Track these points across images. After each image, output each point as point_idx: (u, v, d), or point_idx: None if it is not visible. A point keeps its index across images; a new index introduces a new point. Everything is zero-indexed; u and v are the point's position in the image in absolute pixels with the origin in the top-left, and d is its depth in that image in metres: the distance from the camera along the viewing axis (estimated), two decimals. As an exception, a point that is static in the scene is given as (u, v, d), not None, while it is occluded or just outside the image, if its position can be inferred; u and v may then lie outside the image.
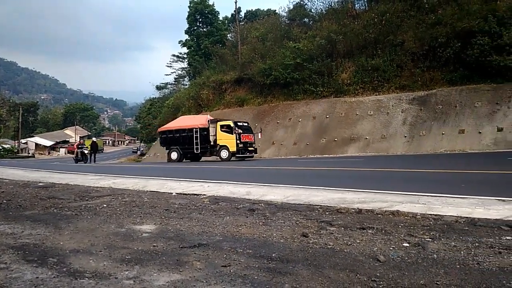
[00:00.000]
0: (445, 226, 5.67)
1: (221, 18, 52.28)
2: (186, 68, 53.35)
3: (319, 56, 29.50)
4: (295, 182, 10.97)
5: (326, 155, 24.41)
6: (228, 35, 50.14)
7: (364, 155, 22.50)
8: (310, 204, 7.53)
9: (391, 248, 4.71)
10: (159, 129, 26.87)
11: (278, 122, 29.52)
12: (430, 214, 6.37)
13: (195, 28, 50.30)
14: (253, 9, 54.70)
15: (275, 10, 49.03)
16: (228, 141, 22.77)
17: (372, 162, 17.96)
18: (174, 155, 24.82)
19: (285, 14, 41.37)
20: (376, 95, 25.99)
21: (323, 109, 27.50)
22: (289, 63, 29.88)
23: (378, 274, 3.86)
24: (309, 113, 28.19)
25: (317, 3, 60.71)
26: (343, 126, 25.73)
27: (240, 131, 23.01)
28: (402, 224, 5.83)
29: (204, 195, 9.20)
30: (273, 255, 4.52)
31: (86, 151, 29.54)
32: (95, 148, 30.14)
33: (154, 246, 4.97)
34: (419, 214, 6.43)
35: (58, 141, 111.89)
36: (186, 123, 24.96)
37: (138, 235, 5.58)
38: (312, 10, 39.10)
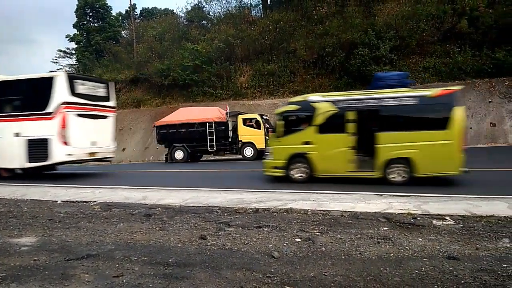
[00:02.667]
0: (332, 221, 6.17)
1: (114, 14, 49.41)
2: (74, 65, 49.24)
3: (218, 59, 29.78)
4: (196, 185, 10.88)
5: (226, 157, 24.72)
6: (123, 32, 47.64)
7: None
8: (209, 206, 7.55)
9: (284, 244, 4.96)
10: (156, 123, 22.14)
11: (177, 124, 28.97)
12: (320, 210, 6.88)
13: (85, 22, 46.68)
14: (150, 7, 52.89)
15: (173, 10, 48.13)
16: (255, 137, 19.72)
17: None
18: (179, 154, 20.89)
19: (183, 15, 40.88)
20: (272, 98, 27.20)
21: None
22: (188, 65, 29.59)
23: (272, 270, 4.03)
24: (208, 115, 28.29)
25: (215, 7, 61.20)
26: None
27: (267, 125, 20.41)
28: (295, 221, 6.18)
29: (95, 201, 8.60)
30: (170, 260, 4.42)
31: None
32: None
33: (35, 260, 4.48)
34: (310, 210, 6.89)
35: None
36: (194, 116, 21.02)
37: (16, 249, 4.99)
38: (210, 13, 39.38)
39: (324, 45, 26.24)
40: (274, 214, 6.74)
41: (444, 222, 5.76)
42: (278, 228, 5.75)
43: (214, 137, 20.09)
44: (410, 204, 7.02)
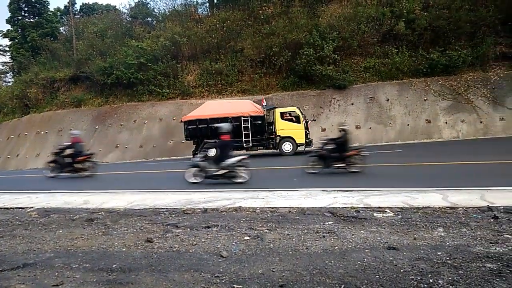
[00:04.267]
0: (280, 217, 6.26)
1: (52, 9, 46.58)
2: (9, 62, 45.79)
3: (163, 57, 29.10)
4: (141, 187, 10.57)
5: (175, 157, 24.28)
6: (61, 29, 45.08)
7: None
8: (156, 208, 7.37)
9: (233, 243, 4.96)
10: (184, 118, 20.55)
11: (121, 125, 27.96)
12: (268, 207, 6.96)
13: (20, 17, 43.58)
14: (90, 3, 50.46)
15: (115, 6, 46.44)
16: (295, 131, 18.66)
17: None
18: (211, 151, 19.70)
19: (126, 11, 39.50)
20: (220, 97, 27.08)
21: (170, 111, 27.24)
22: (132, 63, 28.64)
23: (221, 270, 4.01)
24: (155, 114, 27.55)
25: (160, 3, 59.95)
26: (190, 128, 26.07)
27: (306, 119, 19.39)
28: (244, 219, 6.20)
29: (32, 207, 8.07)
30: (114, 266, 4.25)
31: None
32: None
33: (-38, 274, 4.12)
34: (258, 208, 6.94)
35: None
36: (226, 110, 19.57)
37: None
38: (155, 10, 38.42)
39: (271, 45, 26.59)
40: (223, 213, 6.72)
41: (385, 215, 6.05)
42: (227, 227, 5.73)
43: (250, 132, 18.87)
44: (353, 198, 7.30)
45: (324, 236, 5.11)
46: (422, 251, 4.34)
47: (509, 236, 4.72)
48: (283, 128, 18.77)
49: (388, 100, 23.56)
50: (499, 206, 6.17)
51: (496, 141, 18.96)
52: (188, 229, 5.76)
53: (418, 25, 24.39)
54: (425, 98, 23.05)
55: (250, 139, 18.85)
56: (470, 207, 6.24)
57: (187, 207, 7.28)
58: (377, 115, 23.49)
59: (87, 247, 5.04)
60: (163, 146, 25.83)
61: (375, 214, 6.10)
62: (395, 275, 3.66)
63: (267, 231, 5.48)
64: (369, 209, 6.47)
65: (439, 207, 6.33)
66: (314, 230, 5.44)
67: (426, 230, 5.18)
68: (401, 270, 3.78)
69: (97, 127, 28.01)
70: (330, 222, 5.83)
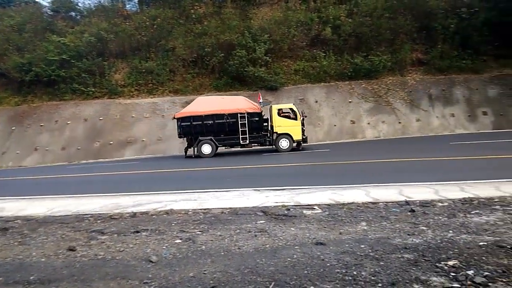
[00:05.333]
0: (213, 218, 6.23)
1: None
2: None
3: (89, 54, 27.49)
4: (63, 192, 9.89)
5: (101, 160, 23.07)
6: (-29, 20, 40.77)
7: (141, 157, 22.40)
8: (80, 214, 6.93)
9: (164, 247, 4.83)
10: (177, 115, 19.53)
11: (41, 125, 25.91)
12: (201, 209, 6.88)
13: None
14: (5, -7, 46.27)
15: (35, -2, 42.92)
16: (292, 128, 18.33)
17: (149, 164, 18.10)
18: (206, 149, 18.52)
19: (47, 4, 36.70)
20: (151, 97, 26.27)
21: (95, 111, 25.82)
22: (53, 59, 26.66)
23: (150, 276, 3.88)
24: (79, 114, 25.92)
25: (85, -3, 56.60)
26: (119, 129, 24.88)
27: (303, 116, 19.13)
28: (175, 222, 6.07)
29: None
30: (32, 277, 3.92)
31: None
32: None
33: None
34: (191, 210, 6.84)
35: None
36: (221, 107, 18.92)
37: None
38: (80, 4, 36.15)
39: (203, 45, 26.39)
40: (154, 217, 6.52)
41: (313, 211, 6.28)
42: (157, 231, 5.57)
43: (247, 129, 18.43)
44: (284, 197, 7.49)
45: (256, 235, 5.17)
46: (347, 245, 4.57)
47: (424, 228, 5.15)
48: (280, 124, 18.55)
49: (316, 101, 24.53)
50: (415, 200, 6.71)
51: (413, 140, 20.64)
52: (115, 235, 5.50)
53: (343, 31, 25.73)
54: (350, 100, 24.37)
55: (247, 136, 18.52)
56: (389, 202, 6.71)
57: (114, 212, 6.95)
58: (307, 116, 24.37)
59: (0, 259, 4.60)
60: (88, 148, 24.41)
61: (304, 211, 6.30)
62: (322, 269, 3.81)
63: (200, 233, 5.41)
64: (299, 206, 6.67)
65: (362, 203, 6.72)
66: (246, 229, 5.48)
67: (350, 225, 5.47)
68: (328, 264, 3.94)
69: (13, 128, 25.68)
70: (262, 221, 5.91)
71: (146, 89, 26.87)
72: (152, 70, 26.91)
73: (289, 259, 4.15)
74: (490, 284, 3.35)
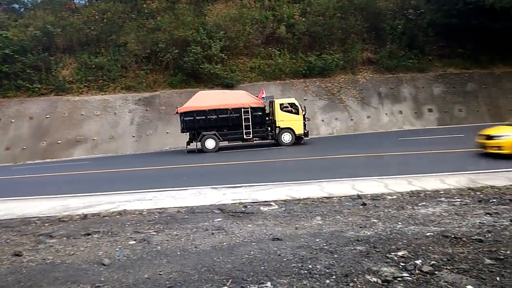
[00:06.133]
0: (169, 218, 6.11)
1: None
2: None
3: (34, 48, 25.89)
4: (7, 194, 9.30)
5: (49, 160, 21.87)
6: None
7: (92, 157, 21.50)
8: (26, 217, 6.55)
9: (117, 249, 4.67)
10: (180, 110, 18.77)
11: (-18, 124, 24.16)
12: (156, 209, 6.73)
13: None
14: None
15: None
16: (294, 122, 18.47)
17: (100, 163, 17.40)
18: (210, 143, 18.26)
19: (-13, -4, 34.22)
20: (102, 94, 25.23)
21: (42, 108, 24.40)
22: (-6, 53, 24.93)
23: (102, 279, 3.74)
24: (24, 112, 24.39)
25: (29, -11, 53.38)
26: (68, 127, 23.69)
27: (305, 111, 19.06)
28: (129, 223, 5.89)
29: None
30: (-29, 287, 3.65)
31: None
32: None
33: None
34: (145, 210, 6.67)
35: None
36: (223, 101, 18.75)
37: None
38: (23, -4, 34.01)
39: (157, 41, 25.72)
40: (106, 218, 6.29)
41: (270, 208, 6.35)
42: (109, 233, 5.38)
43: (250, 123, 18.48)
44: (241, 194, 7.50)
45: (213, 233, 5.14)
46: (302, 240, 4.65)
47: (375, 220, 5.36)
48: (282, 119, 18.70)
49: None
50: (367, 194, 6.97)
51: (364, 136, 21.41)
52: (65, 238, 5.25)
53: (297, 29, 26.11)
54: (305, 98, 24.81)
55: (251, 130, 18.64)
56: (343, 196, 6.92)
57: (63, 214, 6.63)
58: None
59: None
60: (34, 148, 23.09)
61: (261, 208, 6.35)
62: (278, 264, 3.86)
63: (155, 233, 5.30)
64: (256, 203, 6.71)
65: (317, 198, 6.88)
66: (203, 228, 5.43)
67: (306, 220, 5.58)
68: (284, 259, 4.00)
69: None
70: (219, 219, 5.88)
71: (96, 86, 25.77)
72: (102, 66, 25.85)
73: (246, 255, 4.16)
74: (436, 272, 3.54)
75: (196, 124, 18.69)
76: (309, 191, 7.40)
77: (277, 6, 27.29)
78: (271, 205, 6.52)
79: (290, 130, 18.76)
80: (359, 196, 6.82)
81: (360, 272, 3.59)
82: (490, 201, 6.08)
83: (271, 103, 19.45)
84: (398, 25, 26.17)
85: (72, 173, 14.07)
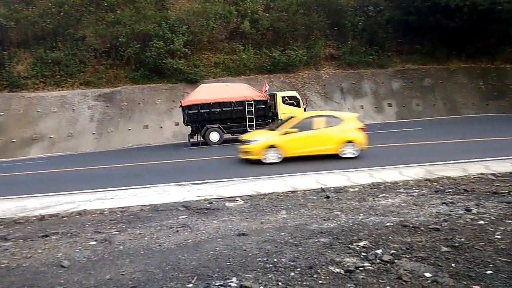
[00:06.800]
0: (132, 217, 5.97)
1: None
2: None
3: (-16, 42, 24.52)
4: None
5: (3, 159, 20.78)
6: None
7: (49, 155, 20.61)
8: (-23, 221, 6.18)
9: (77, 250, 4.51)
10: (184, 103, 18.69)
11: None
12: (118, 208, 6.55)
13: None
14: None
15: None
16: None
17: (59, 162, 16.70)
18: (215, 136, 18.44)
19: None
20: (59, 90, 24.18)
21: (-6, 106, 23.15)
22: None
23: (62, 281, 3.60)
24: (-25, 110, 23.06)
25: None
26: (23, 125, 22.57)
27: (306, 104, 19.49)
28: (89, 223, 5.70)
29: None
30: None
31: None
32: None
33: None
34: (107, 209, 6.48)
35: None
36: (227, 94, 18.87)
37: None
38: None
39: (117, 34, 24.93)
40: (65, 219, 6.06)
41: (236, 203, 6.34)
42: (69, 234, 5.19)
43: (253, 116, 18.78)
44: (206, 190, 7.45)
45: (177, 231, 5.07)
46: (268, 234, 4.68)
47: (338, 213, 5.48)
48: (284, 112, 18.70)
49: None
50: (330, 187, 7.12)
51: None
52: (21, 240, 5.01)
53: (261, 25, 26.13)
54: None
55: (254, 123, 18.87)
56: (307, 190, 7.03)
57: (19, 215, 6.33)
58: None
59: None
60: (-13, 147, 21.87)
61: (227, 204, 6.33)
62: (244, 259, 3.86)
63: (117, 232, 5.16)
64: (221, 199, 6.68)
65: (282, 192, 6.95)
66: (167, 226, 5.35)
67: (271, 214, 5.62)
68: (250, 254, 4.01)
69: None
70: (184, 216, 5.81)
71: (53, 81, 24.68)
72: (59, 61, 24.76)
73: (211, 252, 4.14)
74: (396, 261, 3.67)
75: (200, 117, 18.78)
76: (274, 186, 7.46)
77: (241, 1, 27.16)
78: (236, 200, 6.52)
79: None
80: (322, 190, 6.95)
81: (323, 264, 3.67)
82: (446, 191, 6.38)
83: (273, 96, 19.81)
84: (359, 22, 26.78)
85: (29, 172, 13.43)
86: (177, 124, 22.92)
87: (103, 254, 4.33)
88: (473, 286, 3.12)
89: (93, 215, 6.14)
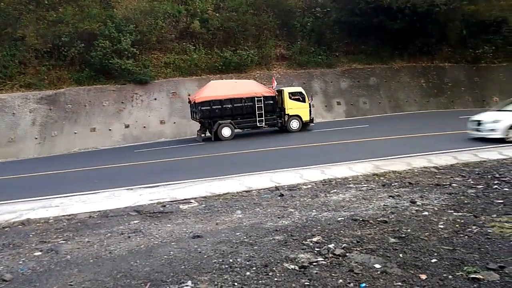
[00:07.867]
0: (79, 224, 5.70)
1: None
2: None
3: None
4: None
5: None
6: None
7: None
8: None
9: (20, 262, 4.24)
10: (197, 99, 18.78)
11: None
12: (64, 216, 6.23)
13: None
14: None
15: None
16: (301, 110, 19.83)
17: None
18: (226, 132, 18.85)
19: None
20: (-4, 93, 22.66)
21: None
22: None
23: (3, 297, 3.37)
24: None
25: None
26: (-44, 131, 20.90)
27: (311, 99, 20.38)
28: (33, 233, 5.38)
29: None
30: None
31: None
32: None
33: None
34: (52, 218, 6.14)
35: None
36: (237, 91, 19.35)
37: None
38: None
39: (60, 34, 23.71)
40: (6, 229, 5.68)
41: (190, 205, 6.26)
42: (11, 245, 4.87)
43: (263, 112, 19.29)
44: (159, 194, 7.28)
45: (129, 237, 4.92)
46: (223, 235, 4.67)
47: (292, 210, 5.57)
48: (291, 107, 19.83)
49: (189, 95, 24.34)
50: (284, 185, 7.22)
51: (277, 130, 22.13)
52: (-45, 256, 4.62)
53: (211, 25, 25.95)
54: (222, 93, 24.89)
55: (263, 118, 19.45)
56: (262, 189, 7.08)
57: (-48, 229, 5.84)
58: (180, 110, 23.87)
59: None
60: None
61: (181, 206, 6.23)
62: (199, 262, 3.82)
63: (64, 241, 4.91)
64: (175, 202, 6.56)
65: (237, 192, 6.95)
66: (118, 232, 5.17)
67: (226, 215, 5.61)
68: (205, 256, 3.97)
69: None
70: (136, 221, 5.65)
71: (-11, 84, 23.05)
72: (-4, 62, 23.17)
73: (165, 256, 4.05)
74: (347, 254, 3.80)
75: (213, 114, 19.08)
76: (229, 186, 7.45)
77: (190, 1, 26.84)
78: (191, 202, 6.43)
79: (298, 117, 20.07)
80: (277, 188, 7.03)
81: (278, 261, 3.71)
82: (392, 185, 6.69)
83: (280, 92, 20.43)
84: (307, 23, 27.38)
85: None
86: (127, 126, 22.26)
87: (49, 264, 4.11)
88: (420, 275, 3.30)
89: (38, 224, 5.81)
